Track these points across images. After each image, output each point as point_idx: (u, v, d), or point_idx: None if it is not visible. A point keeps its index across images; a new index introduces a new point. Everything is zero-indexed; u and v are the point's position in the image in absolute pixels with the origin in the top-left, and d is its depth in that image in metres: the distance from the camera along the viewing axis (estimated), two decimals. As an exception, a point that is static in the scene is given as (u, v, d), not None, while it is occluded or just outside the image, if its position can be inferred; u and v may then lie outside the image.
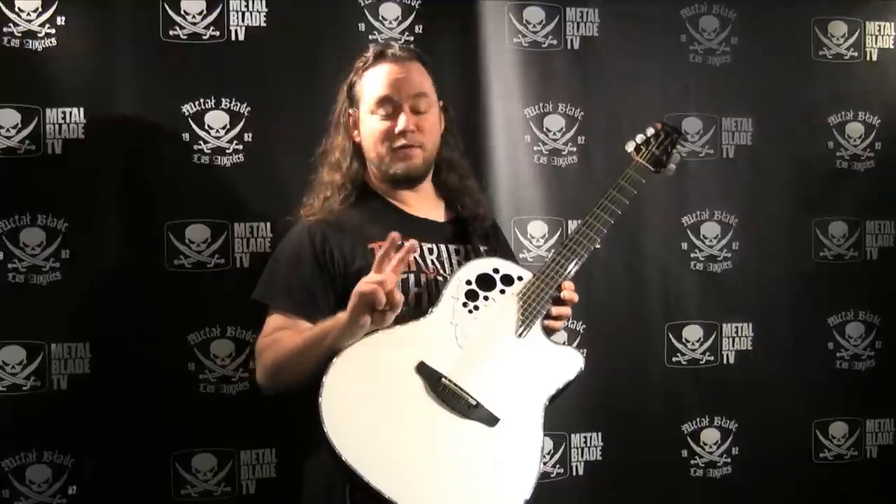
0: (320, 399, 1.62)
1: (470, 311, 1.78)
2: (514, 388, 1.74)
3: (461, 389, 1.70)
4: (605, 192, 1.90)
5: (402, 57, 1.93)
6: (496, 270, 1.84)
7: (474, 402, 1.70)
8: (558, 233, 2.47)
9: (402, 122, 1.87)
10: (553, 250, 1.88)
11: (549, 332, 1.83)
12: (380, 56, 1.93)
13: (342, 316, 1.67)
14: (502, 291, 1.82)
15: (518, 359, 1.77)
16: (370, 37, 2.34)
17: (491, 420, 1.69)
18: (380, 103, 1.89)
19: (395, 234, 1.66)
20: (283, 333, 1.82)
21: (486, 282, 1.82)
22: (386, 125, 1.89)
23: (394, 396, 1.68)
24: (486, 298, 1.80)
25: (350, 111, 1.95)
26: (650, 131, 1.98)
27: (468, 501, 1.64)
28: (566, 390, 1.79)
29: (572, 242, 1.85)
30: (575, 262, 1.83)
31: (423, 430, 1.66)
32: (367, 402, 1.66)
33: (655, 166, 1.95)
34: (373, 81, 1.91)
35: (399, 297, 1.65)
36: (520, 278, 1.84)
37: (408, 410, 1.67)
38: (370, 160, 1.94)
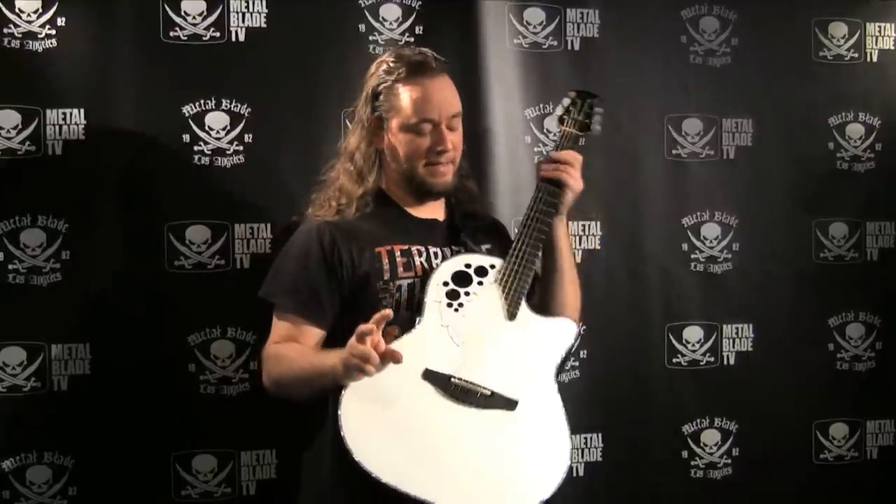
0: (342, 433, 1.65)
1: (456, 310, 1.81)
2: (522, 369, 1.79)
3: (472, 384, 1.73)
4: (541, 167, 1.94)
5: (436, 70, 1.90)
6: (468, 265, 1.86)
7: (489, 392, 1.73)
8: (558, 234, 2.47)
9: (444, 142, 1.89)
10: (516, 230, 1.91)
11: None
12: (417, 70, 1.88)
13: (339, 366, 1.65)
14: (480, 283, 1.85)
15: (516, 340, 1.81)
16: (370, 38, 2.34)
17: (510, 404, 1.73)
18: (419, 121, 1.87)
19: (387, 312, 1.64)
20: (287, 348, 1.83)
21: (462, 278, 1.84)
22: (424, 142, 1.88)
23: (410, 409, 1.70)
24: (467, 294, 1.83)
25: (374, 116, 1.93)
26: (566, 101, 2.03)
27: (509, 485, 1.69)
28: (569, 358, 1.85)
29: (530, 220, 1.88)
30: (540, 232, 1.87)
31: (447, 432, 1.70)
32: (386, 421, 1.69)
33: (582, 130, 2.01)
34: (411, 98, 1.87)
35: (399, 357, 1.61)
36: (492, 266, 1.87)
37: (428, 418, 1.70)
38: (397, 169, 1.93)
